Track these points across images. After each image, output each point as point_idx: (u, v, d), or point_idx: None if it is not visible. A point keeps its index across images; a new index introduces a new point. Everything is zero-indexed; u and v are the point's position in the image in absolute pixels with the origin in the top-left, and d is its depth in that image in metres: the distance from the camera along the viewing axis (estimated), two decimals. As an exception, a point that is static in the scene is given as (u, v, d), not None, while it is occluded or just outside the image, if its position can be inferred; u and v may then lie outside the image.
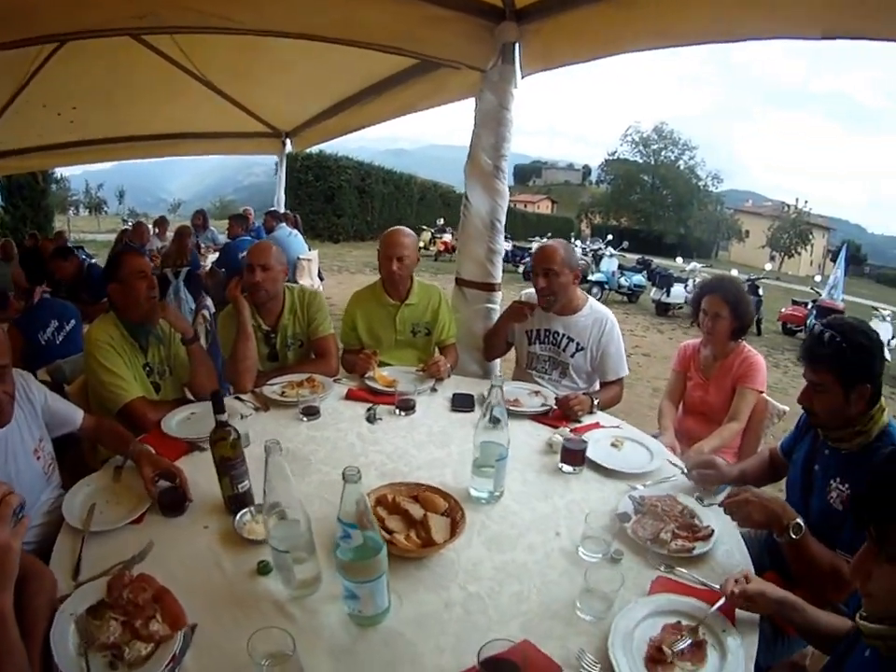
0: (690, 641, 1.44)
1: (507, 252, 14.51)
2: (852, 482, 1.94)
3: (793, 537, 1.74)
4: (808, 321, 12.22)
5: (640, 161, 56.02)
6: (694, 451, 2.87)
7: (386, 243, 3.30)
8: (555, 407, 2.86)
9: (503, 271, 4.08)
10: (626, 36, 3.16)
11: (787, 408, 3.14)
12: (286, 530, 1.54)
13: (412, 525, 1.79)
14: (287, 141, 7.88)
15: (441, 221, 22.25)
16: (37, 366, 3.07)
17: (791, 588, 1.59)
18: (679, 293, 14.43)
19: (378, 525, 1.57)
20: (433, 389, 3.04)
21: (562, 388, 3.25)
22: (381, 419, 2.68)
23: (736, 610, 1.57)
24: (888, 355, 7.11)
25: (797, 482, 2.24)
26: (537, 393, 3.03)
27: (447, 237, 20.20)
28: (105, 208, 39.38)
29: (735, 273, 11.02)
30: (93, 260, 6.98)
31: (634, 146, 56.30)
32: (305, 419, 2.62)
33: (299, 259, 8.20)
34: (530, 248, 18.08)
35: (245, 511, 1.85)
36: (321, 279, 9.66)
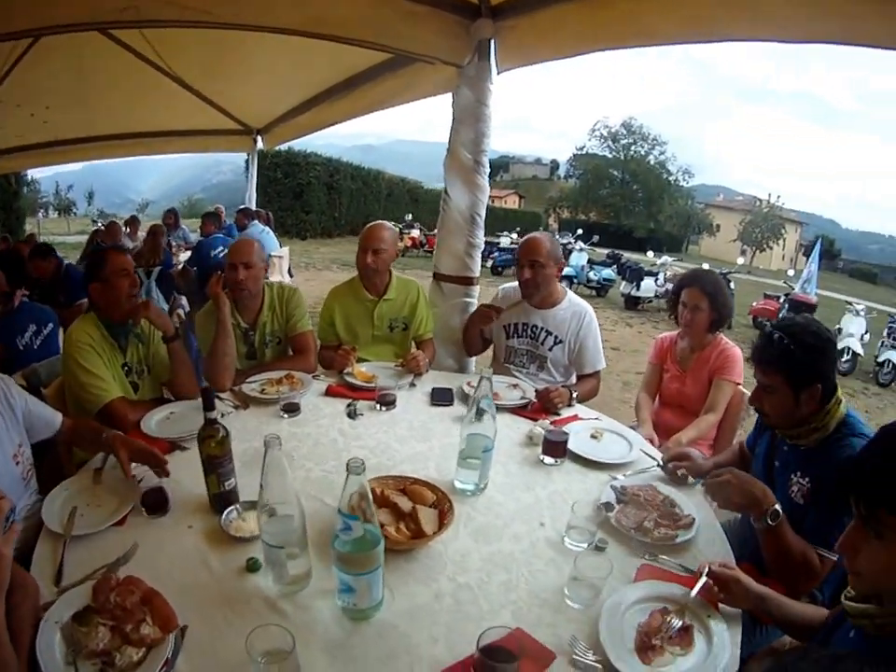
0: (679, 624, 1.48)
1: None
2: (813, 476, 1.97)
3: (770, 523, 1.77)
4: (780, 315, 12.24)
5: (609, 156, 56.15)
6: (672, 442, 2.92)
7: (364, 236, 3.30)
8: (534, 400, 2.89)
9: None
10: (603, 34, 3.18)
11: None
12: (280, 525, 1.53)
13: (401, 517, 1.80)
14: (259, 138, 7.81)
15: (409, 217, 22.21)
16: (14, 370, 3.03)
17: (764, 578, 1.63)
18: (649, 287, 14.51)
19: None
20: (412, 384, 3.05)
21: (539, 382, 3.27)
22: (362, 415, 2.68)
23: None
24: (860, 349, 7.27)
25: (760, 476, 2.26)
26: (515, 386, 3.05)
27: (415, 233, 20.18)
28: (75, 210, 38.74)
29: (706, 267, 11.12)
30: (68, 261, 6.89)
31: (602, 140, 56.45)
32: (286, 416, 2.60)
33: (270, 256, 8.13)
34: (499, 243, 18.14)
35: (231, 508, 1.84)
36: (291, 276, 9.63)
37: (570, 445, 2.39)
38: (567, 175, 65.19)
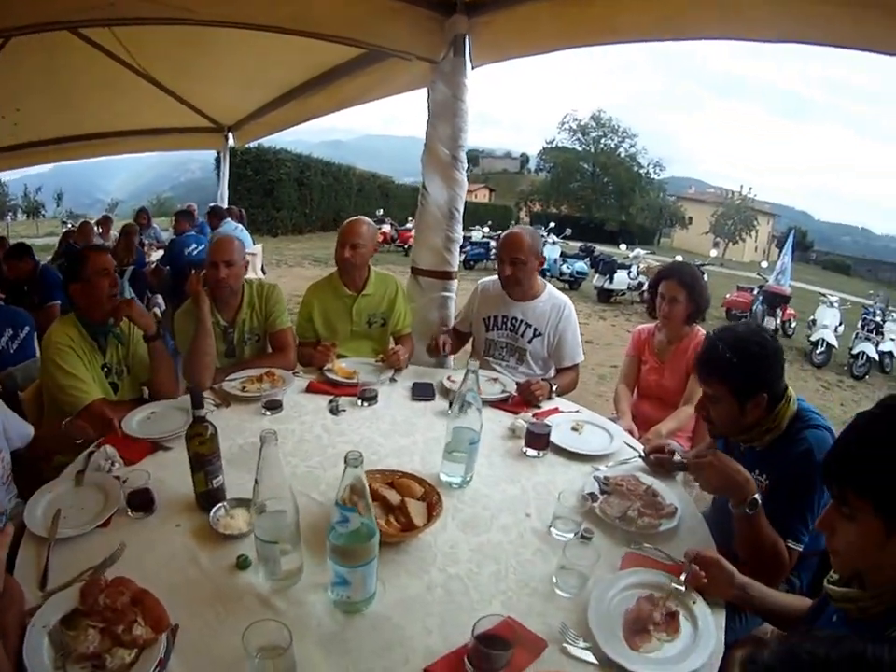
0: (667, 611, 1.52)
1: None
2: (771, 473, 2.00)
3: (748, 511, 1.79)
4: (754, 307, 12.42)
5: (579, 148, 56.25)
6: (652, 433, 2.96)
7: (343, 231, 3.30)
8: (515, 394, 2.91)
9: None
10: (577, 31, 3.22)
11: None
12: (274, 520, 1.53)
13: (389, 510, 1.81)
14: (230, 135, 7.74)
15: (381, 212, 22.16)
16: (-11, 375, 2.99)
17: (737, 565, 1.66)
18: (622, 280, 14.58)
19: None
20: (392, 379, 3.06)
21: (518, 374, 3.30)
22: (344, 410, 2.68)
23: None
24: (834, 341, 7.39)
25: None
26: (495, 380, 3.07)
27: (386, 228, 20.10)
28: (43, 212, 38.15)
29: (679, 258, 11.23)
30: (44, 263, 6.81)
31: (572, 133, 56.49)
32: (268, 413, 2.59)
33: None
34: (471, 237, 18.14)
35: (219, 506, 1.83)
36: (264, 273, 9.58)
37: (553, 437, 2.42)
38: (538, 168, 65.14)
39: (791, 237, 14.36)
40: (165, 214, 23.50)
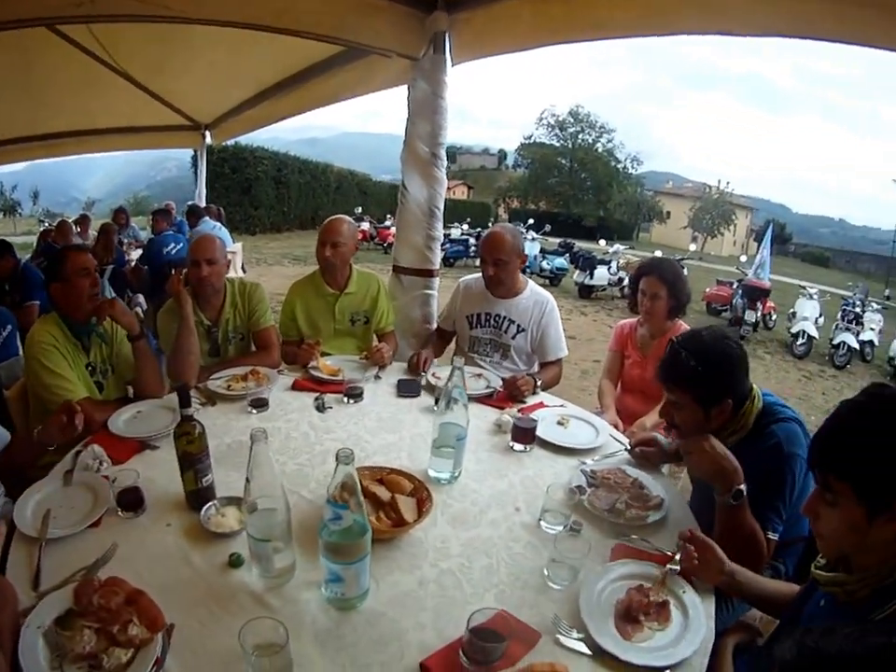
0: (659, 600, 1.55)
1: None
2: (744, 466, 1.95)
3: (732, 502, 1.81)
4: (734, 301, 12.52)
5: (557, 144, 56.35)
6: (637, 426, 2.99)
7: (323, 229, 3.30)
8: (500, 389, 2.93)
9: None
10: (558, 28, 3.23)
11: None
12: (266, 518, 1.53)
13: (380, 506, 1.82)
14: (207, 133, 7.66)
15: (359, 210, 22.09)
16: (-29, 374, 2.96)
17: None
18: (602, 275, 14.68)
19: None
20: (377, 377, 3.07)
21: (503, 370, 3.32)
22: (330, 408, 2.68)
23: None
24: (815, 332, 7.47)
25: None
26: (479, 376, 3.08)
27: (365, 225, 20.06)
28: (20, 210, 37.61)
29: (658, 254, 11.32)
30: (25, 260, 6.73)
31: (550, 129, 56.57)
32: (254, 411, 2.59)
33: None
34: (450, 234, 18.15)
35: (209, 504, 1.83)
36: (244, 272, 9.55)
37: (539, 432, 2.44)
38: (516, 164, 65.26)
39: (769, 230, 14.48)
40: (142, 213, 23.24)
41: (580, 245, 18.88)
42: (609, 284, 14.79)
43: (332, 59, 4.41)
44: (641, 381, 3.41)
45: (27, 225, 26.40)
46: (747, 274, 12.95)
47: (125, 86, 5.11)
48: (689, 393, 1.98)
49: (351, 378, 2.79)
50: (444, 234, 14.87)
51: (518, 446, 2.42)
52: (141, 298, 6.46)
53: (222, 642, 1.35)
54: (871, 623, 1.03)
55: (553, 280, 16.09)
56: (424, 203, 3.79)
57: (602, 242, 19.39)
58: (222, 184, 22.74)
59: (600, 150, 54.95)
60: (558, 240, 19.50)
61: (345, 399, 2.75)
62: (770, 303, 12.86)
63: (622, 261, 15.29)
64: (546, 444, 2.45)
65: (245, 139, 23.81)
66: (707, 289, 14.10)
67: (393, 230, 18.91)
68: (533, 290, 3.40)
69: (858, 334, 11.04)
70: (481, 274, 3.38)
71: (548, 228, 18.59)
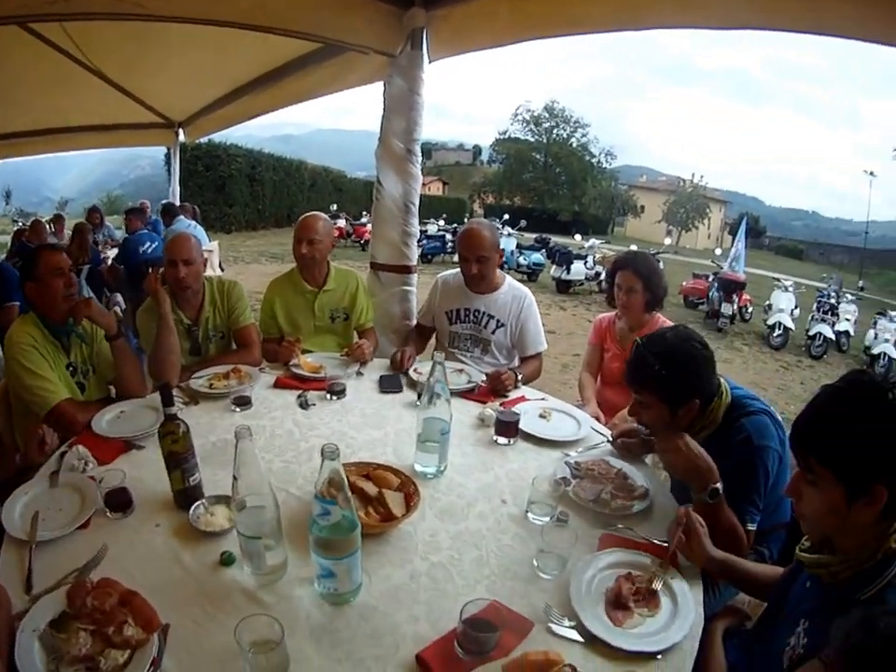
0: (646, 587, 1.59)
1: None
2: (715, 459, 1.99)
3: (708, 500, 1.84)
4: (710, 293, 12.64)
5: (532, 139, 56.42)
6: (619, 419, 3.01)
7: (299, 226, 3.30)
8: (481, 384, 2.96)
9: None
10: (535, 24, 3.25)
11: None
12: (256, 516, 1.53)
13: (368, 501, 1.83)
14: (181, 131, 7.51)
15: (334, 207, 21.97)
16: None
17: None
18: (579, 270, 14.73)
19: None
20: (359, 373, 3.07)
21: (484, 365, 3.35)
22: (314, 405, 2.68)
23: (680, 560, 1.72)
24: (791, 324, 7.56)
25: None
26: (461, 371, 3.10)
27: (341, 223, 19.96)
28: (-8, 210, 37.02)
29: (633, 248, 11.39)
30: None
31: (525, 124, 56.62)
32: (238, 410, 2.58)
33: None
34: (427, 230, 18.13)
35: (198, 503, 1.82)
36: (222, 270, 9.49)
37: (521, 425, 2.47)
38: (491, 160, 65.25)
39: (743, 224, 14.61)
40: (116, 212, 22.87)
41: (555, 239, 18.91)
42: (586, 278, 14.85)
43: (309, 55, 4.37)
44: (621, 373, 3.38)
45: (0, 225, 26.06)
46: (722, 268, 13.06)
47: (97, 84, 5.02)
48: (655, 394, 2.02)
49: (333, 375, 2.81)
50: (421, 231, 14.83)
51: (502, 440, 2.44)
52: (119, 297, 6.41)
53: (218, 641, 1.35)
54: None
55: (530, 275, 16.08)
56: (399, 198, 3.79)
57: (578, 236, 19.45)
58: (196, 182, 22.41)
59: (575, 145, 55.04)
60: (534, 235, 19.52)
61: (328, 396, 2.75)
62: (746, 296, 13.00)
63: (598, 256, 15.36)
64: (529, 437, 2.47)
65: (218, 136, 23.54)
66: (684, 283, 14.20)
67: (369, 227, 18.90)
68: (511, 285, 3.43)
69: (833, 325, 11.25)
70: (458, 270, 3.41)
71: (523, 223, 18.59)
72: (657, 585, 1.61)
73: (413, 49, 3.57)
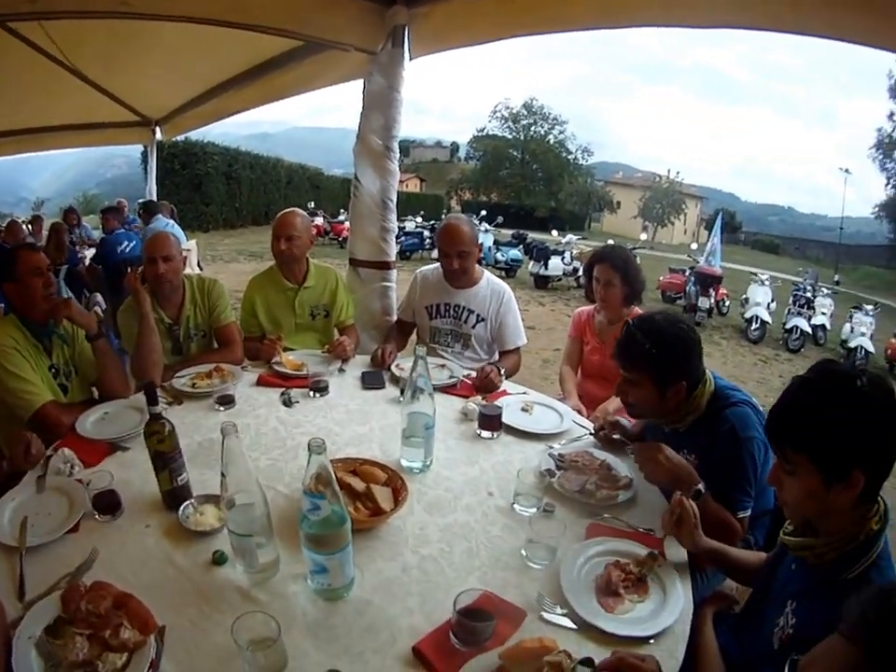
0: (636, 575, 1.62)
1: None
2: (697, 451, 2.10)
3: (692, 502, 1.87)
4: (687, 288, 12.72)
5: (510, 136, 56.58)
6: (600, 411, 3.05)
7: (277, 224, 3.31)
8: (463, 378, 2.98)
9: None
10: (517, 21, 3.28)
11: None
12: (245, 513, 1.53)
13: (356, 497, 1.83)
14: (157, 129, 7.48)
15: (312, 205, 21.87)
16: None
17: None
18: (556, 266, 14.79)
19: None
20: (341, 370, 3.08)
21: (465, 360, 3.37)
22: (297, 402, 2.68)
23: (666, 548, 1.75)
24: (767, 317, 7.67)
25: None
26: (443, 366, 3.11)
27: (319, 220, 19.85)
28: (-33, 212, 36.34)
29: (610, 243, 11.45)
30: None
31: (503, 122, 56.82)
32: (222, 408, 2.57)
33: (180, 249, 7.93)
34: (404, 227, 18.11)
35: (187, 503, 1.82)
36: (200, 269, 9.44)
37: (504, 419, 2.49)
38: (468, 156, 65.27)
39: (719, 219, 14.73)
40: (92, 211, 22.54)
41: (533, 235, 18.96)
42: (564, 274, 14.91)
43: (289, 53, 4.36)
44: (601, 366, 3.46)
45: (-24, 227, 25.57)
46: (698, 262, 13.16)
47: (73, 82, 4.94)
48: (644, 373, 2.06)
49: (315, 372, 2.81)
50: (399, 227, 14.78)
51: (485, 433, 2.46)
52: (99, 297, 6.33)
53: (215, 640, 1.36)
54: None
55: (508, 271, 16.08)
56: (377, 194, 3.81)
57: (555, 232, 19.49)
58: (172, 180, 22.13)
59: (552, 142, 55.30)
60: (511, 231, 19.55)
61: (311, 394, 2.75)
62: (723, 290, 13.15)
63: (575, 251, 15.42)
64: (512, 430, 2.50)
65: (195, 134, 23.26)
66: (661, 278, 14.27)
67: (347, 224, 18.80)
68: (490, 280, 3.46)
69: (810, 318, 11.43)
70: (438, 265, 3.43)
71: (500, 219, 18.59)
72: (648, 572, 1.65)
73: (394, 47, 3.58)
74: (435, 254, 3.38)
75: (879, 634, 0.90)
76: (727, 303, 13.58)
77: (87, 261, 7.38)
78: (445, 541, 1.78)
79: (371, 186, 3.79)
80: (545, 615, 1.49)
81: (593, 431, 2.50)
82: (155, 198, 8.59)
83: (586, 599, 1.54)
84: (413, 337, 3.78)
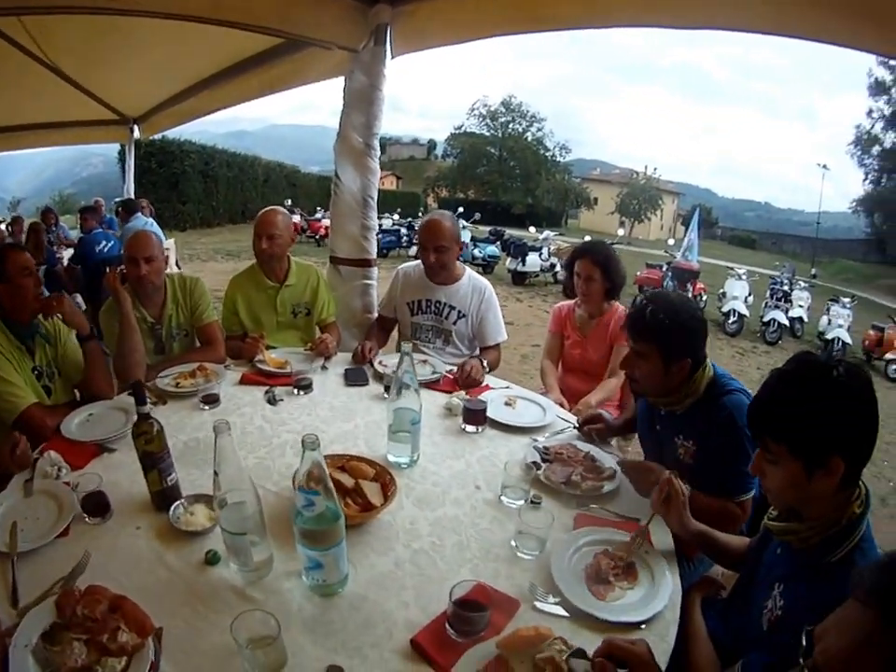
0: (625, 562, 1.66)
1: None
2: (695, 438, 2.14)
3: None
4: (664, 283, 12.81)
5: (488, 134, 56.47)
6: (582, 405, 3.08)
7: (258, 222, 3.30)
8: (445, 374, 3.01)
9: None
10: (500, 21, 3.29)
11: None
12: (239, 511, 1.53)
13: (345, 493, 1.84)
14: (135, 127, 7.34)
15: (289, 202, 21.77)
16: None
17: None
18: (534, 262, 14.84)
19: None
20: (324, 367, 3.09)
21: (446, 355, 3.39)
22: (282, 400, 2.69)
23: (652, 535, 1.79)
24: (745, 311, 7.79)
25: (645, 439, 2.50)
26: (425, 362, 3.13)
27: (296, 218, 19.77)
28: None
29: (587, 239, 11.52)
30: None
31: (481, 119, 56.60)
32: (207, 408, 2.56)
33: (159, 248, 7.87)
34: (382, 225, 18.10)
35: (177, 504, 1.81)
36: (178, 268, 9.39)
37: (488, 413, 2.52)
38: (445, 154, 65.07)
39: (696, 214, 14.87)
40: (69, 211, 22.19)
41: (510, 232, 19.05)
42: (541, 270, 14.97)
43: (270, 50, 4.32)
44: (582, 360, 3.50)
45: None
46: (675, 257, 13.26)
47: (53, 80, 4.85)
48: (654, 344, 2.08)
49: (299, 370, 2.80)
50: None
51: (470, 428, 2.49)
52: (79, 298, 6.27)
53: (213, 640, 1.36)
54: None
55: (485, 268, 16.05)
56: (357, 192, 3.83)
57: (532, 229, 19.56)
58: (149, 179, 21.77)
59: (530, 139, 55.27)
60: (488, 228, 19.58)
61: (295, 391, 2.76)
62: (700, 285, 13.24)
63: (552, 247, 15.48)
64: (497, 425, 2.53)
65: (172, 133, 22.97)
66: (638, 273, 14.30)
67: (324, 222, 18.75)
68: (471, 277, 3.48)
69: (787, 311, 11.64)
70: (419, 262, 3.44)
71: (478, 216, 18.62)
72: (636, 551, 1.70)
73: (377, 45, 3.59)
74: (412, 251, 3.39)
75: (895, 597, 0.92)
76: (705, 298, 13.65)
77: (65, 262, 7.32)
78: (436, 535, 1.80)
79: (352, 183, 3.79)
80: (538, 604, 1.53)
81: (577, 426, 2.54)
82: (133, 197, 8.52)
83: (577, 588, 1.57)
84: (395, 334, 3.79)
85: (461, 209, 19.45)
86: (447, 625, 1.40)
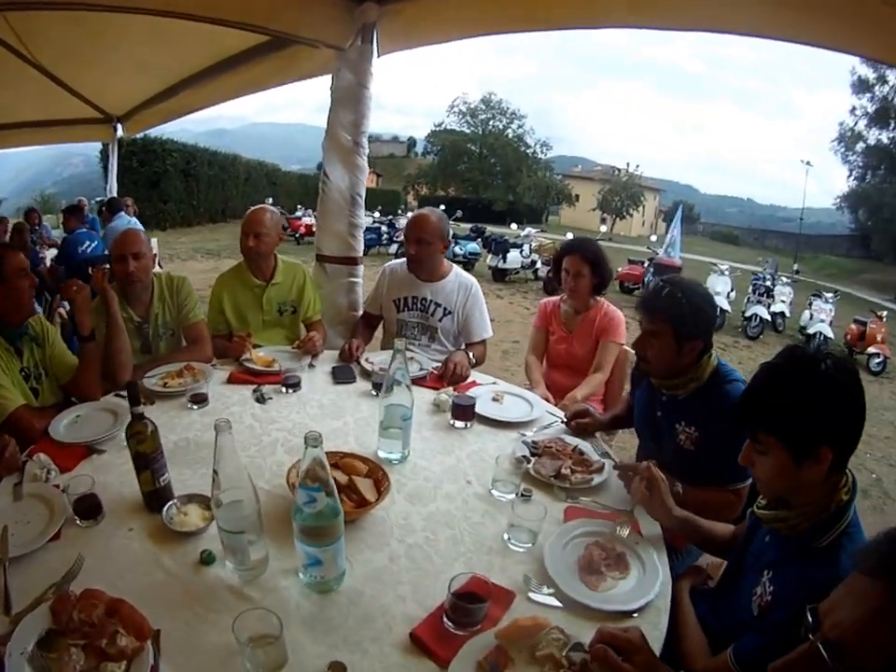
0: (615, 553, 1.70)
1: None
2: (698, 424, 2.19)
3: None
4: (646, 278, 12.94)
5: (468, 131, 56.45)
6: (568, 399, 3.11)
7: (246, 220, 3.31)
8: (432, 370, 3.03)
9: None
10: (487, 20, 3.31)
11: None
12: (238, 510, 1.53)
13: (339, 489, 1.82)
14: (119, 126, 7.28)
15: (270, 200, 21.68)
16: None
17: None
18: (515, 259, 14.93)
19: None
20: (311, 365, 3.10)
21: (432, 352, 3.41)
22: (270, 398, 2.69)
23: (641, 526, 1.85)
24: (727, 306, 7.89)
25: (643, 426, 2.54)
26: (411, 359, 3.12)
27: (277, 216, 19.69)
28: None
29: (570, 236, 11.59)
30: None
31: (461, 116, 56.60)
32: (195, 407, 2.55)
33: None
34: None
35: (169, 504, 1.79)
36: (160, 267, 9.33)
37: (476, 408, 2.55)
38: (425, 151, 64.95)
39: (679, 210, 14.99)
40: (50, 211, 21.98)
41: (491, 229, 19.08)
42: (522, 267, 15.05)
43: (255, 48, 4.31)
44: (568, 355, 3.54)
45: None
46: (657, 253, 13.34)
47: (35, 78, 4.77)
48: (669, 322, 2.12)
49: (287, 368, 2.81)
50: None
51: (459, 423, 2.51)
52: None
53: (212, 640, 1.35)
54: None
55: (466, 265, 15.98)
56: (346, 190, 3.82)
57: (513, 226, 19.62)
58: (130, 178, 21.49)
59: (510, 136, 55.33)
60: (469, 225, 19.59)
61: (284, 389, 2.77)
62: (683, 281, 13.25)
63: (534, 244, 15.53)
64: (485, 420, 2.55)
65: (153, 132, 22.76)
66: (620, 269, 14.38)
67: (304, 220, 18.67)
68: (458, 274, 3.50)
69: (769, 306, 11.79)
70: (405, 259, 3.45)
71: (459, 213, 18.65)
72: (622, 533, 1.77)
73: (364, 44, 3.59)
74: (392, 249, 3.40)
75: None
76: (687, 293, 13.70)
77: (48, 262, 7.25)
78: (429, 529, 1.82)
79: (340, 182, 3.79)
80: (532, 595, 1.55)
81: (564, 420, 2.57)
82: (116, 196, 8.46)
83: (570, 579, 1.60)
84: (379, 332, 3.80)
85: (442, 206, 19.41)
86: (445, 618, 1.42)
